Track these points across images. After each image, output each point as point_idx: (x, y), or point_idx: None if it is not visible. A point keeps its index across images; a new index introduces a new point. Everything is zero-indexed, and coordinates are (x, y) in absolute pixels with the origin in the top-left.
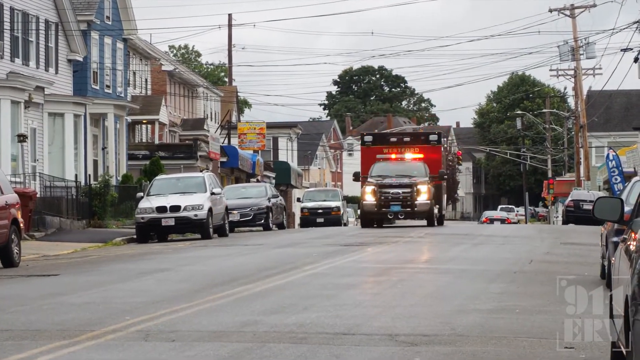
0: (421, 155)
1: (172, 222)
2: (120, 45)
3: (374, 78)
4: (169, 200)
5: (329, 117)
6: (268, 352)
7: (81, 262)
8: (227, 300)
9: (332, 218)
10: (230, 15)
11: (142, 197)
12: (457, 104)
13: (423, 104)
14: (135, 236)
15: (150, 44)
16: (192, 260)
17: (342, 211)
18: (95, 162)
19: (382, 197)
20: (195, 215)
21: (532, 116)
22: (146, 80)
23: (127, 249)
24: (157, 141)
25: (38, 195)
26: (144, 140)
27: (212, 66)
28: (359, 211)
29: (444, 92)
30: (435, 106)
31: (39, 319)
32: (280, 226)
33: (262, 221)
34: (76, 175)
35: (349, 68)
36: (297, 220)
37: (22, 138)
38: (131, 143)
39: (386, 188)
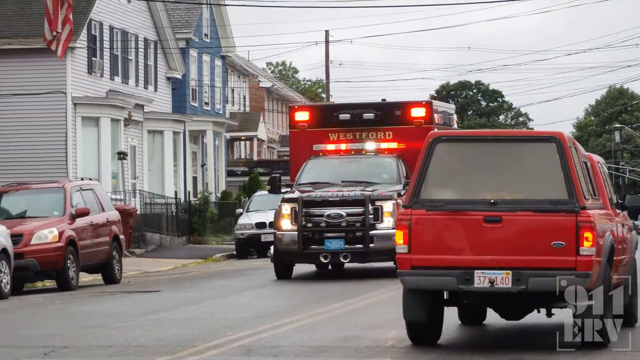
0: (394, 145)
1: (271, 238)
2: (218, 62)
3: (471, 93)
4: (268, 216)
5: None
6: None
7: (182, 278)
8: (328, 316)
9: None
10: (327, 31)
11: (241, 213)
12: (555, 118)
13: (520, 118)
14: (234, 252)
15: (248, 60)
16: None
17: None
18: (195, 179)
19: (310, 224)
20: None
21: (630, 129)
22: (244, 97)
23: (227, 264)
24: (255, 157)
25: (138, 212)
26: (242, 156)
27: (309, 82)
28: (271, 249)
29: (542, 105)
30: (532, 120)
31: (141, 334)
32: None
33: None
34: (176, 192)
35: (446, 83)
36: None
37: (122, 155)
38: (230, 159)
39: (317, 206)
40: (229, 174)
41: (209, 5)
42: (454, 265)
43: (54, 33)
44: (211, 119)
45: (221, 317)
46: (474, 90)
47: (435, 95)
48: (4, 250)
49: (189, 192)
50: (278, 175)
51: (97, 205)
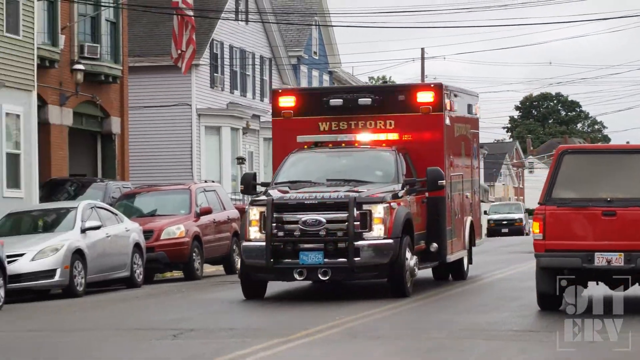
0: (395, 136)
1: None
2: (326, 77)
3: (551, 103)
4: None
5: (511, 139)
6: (461, 347)
7: None
8: (425, 302)
9: (515, 229)
10: (422, 49)
11: None
12: (628, 126)
13: (596, 126)
14: None
15: (352, 75)
16: None
17: (524, 222)
18: None
19: (281, 233)
20: None
21: None
22: None
23: None
24: None
25: None
26: None
27: None
28: (238, 262)
29: (616, 115)
30: (607, 127)
31: (259, 318)
32: None
33: None
34: None
35: (529, 95)
36: (484, 231)
37: (240, 160)
38: None
39: (290, 211)
40: None
41: (317, 26)
42: (579, 249)
43: (179, 52)
44: None
45: (328, 303)
46: (555, 101)
47: (520, 106)
48: (137, 245)
49: None
50: (253, 173)
51: (219, 205)
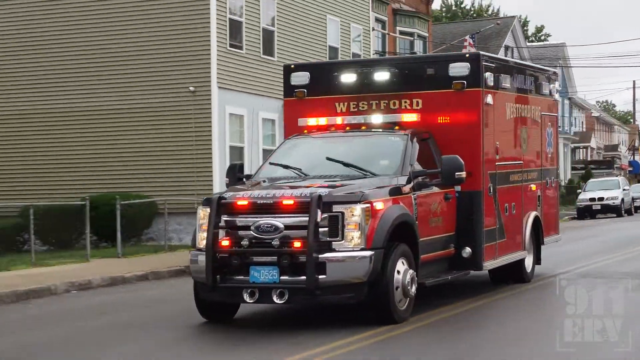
0: (414, 117)
1: (598, 207)
2: (566, 102)
3: None
4: (597, 194)
5: None
6: None
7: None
8: (633, 255)
9: None
10: (634, 81)
11: (580, 192)
12: None
13: None
14: (576, 216)
15: (583, 99)
16: (610, 230)
17: None
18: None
19: (227, 242)
20: (613, 202)
21: None
22: (582, 122)
23: (572, 224)
24: (588, 158)
25: None
26: (581, 158)
27: (623, 112)
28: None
29: None
30: None
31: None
32: None
33: None
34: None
35: None
36: None
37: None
38: (573, 160)
39: (241, 214)
40: (573, 169)
41: (561, 67)
42: None
43: None
44: (562, 136)
45: (565, 255)
46: None
47: None
48: None
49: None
50: (239, 163)
51: None
